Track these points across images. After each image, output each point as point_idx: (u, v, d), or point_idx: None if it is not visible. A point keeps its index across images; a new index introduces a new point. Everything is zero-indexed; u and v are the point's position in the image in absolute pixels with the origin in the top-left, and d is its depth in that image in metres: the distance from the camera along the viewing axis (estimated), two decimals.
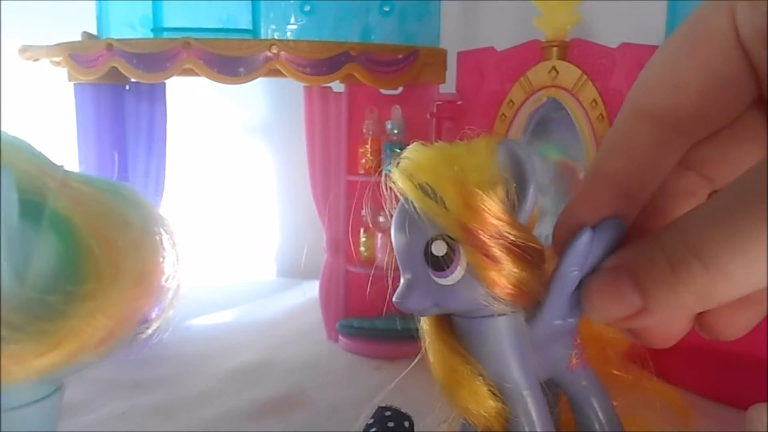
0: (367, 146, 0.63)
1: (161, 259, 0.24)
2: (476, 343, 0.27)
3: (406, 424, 0.39)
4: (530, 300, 0.26)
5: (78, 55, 0.61)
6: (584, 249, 0.24)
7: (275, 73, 0.58)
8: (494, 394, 0.26)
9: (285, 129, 0.92)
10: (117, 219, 0.22)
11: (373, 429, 0.39)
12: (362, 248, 0.64)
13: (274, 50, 0.56)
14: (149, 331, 0.24)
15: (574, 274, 0.24)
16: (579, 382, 0.29)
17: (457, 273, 0.25)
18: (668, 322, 0.21)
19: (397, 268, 0.26)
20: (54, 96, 0.74)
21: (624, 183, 0.22)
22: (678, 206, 0.23)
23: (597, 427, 0.30)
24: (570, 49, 0.56)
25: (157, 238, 0.24)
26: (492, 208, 0.24)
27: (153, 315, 0.24)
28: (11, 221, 0.20)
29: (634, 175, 0.22)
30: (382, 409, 0.40)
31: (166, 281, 0.24)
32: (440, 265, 0.25)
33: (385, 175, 0.27)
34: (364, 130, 0.63)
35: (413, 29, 0.64)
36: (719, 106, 0.20)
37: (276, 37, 0.61)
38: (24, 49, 0.63)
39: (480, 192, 0.24)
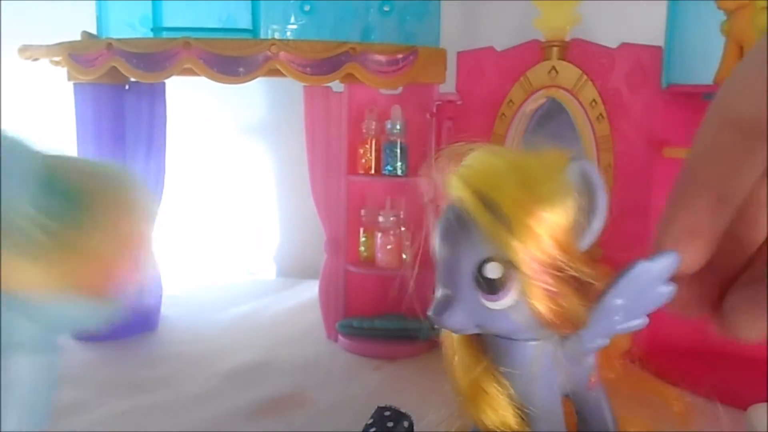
0: (367, 146, 0.63)
1: (144, 223, 0.26)
2: (510, 363, 0.26)
3: (406, 424, 0.39)
4: (574, 328, 0.25)
5: (78, 54, 0.60)
6: (634, 281, 0.23)
7: (275, 72, 0.58)
8: (520, 416, 0.26)
9: (285, 129, 0.92)
10: (105, 182, 0.26)
11: (373, 429, 0.39)
12: (362, 248, 0.64)
13: (274, 50, 0.56)
14: (131, 292, 0.26)
15: (618, 303, 0.23)
16: (592, 401, 0.29)
17: (509, 299, 0.24)
18: None
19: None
20: (54, 95, 0.74)
21: (718, 189, 0.21)
22: (764, 214, 0.22)
23: None
24: (570, 49, 0.56)
25: (142, 207, 0.26)
26: (558, 237, 0.23)
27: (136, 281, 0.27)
28: (29, 179, 0.24)
29: (727, 181, 0.21)
30: (381, 409, 0.39)
31: (146, 244, 0.26)
32: (492, 288, 0.23)
33: (427, 173, 0.26)
34: (364, 130, 0.62)
35: (413, 29, 0.64)
36: None
37: (276, 36, 0.61)
38: (24, 49, 0.63)
39: (547, 219, 0.23)
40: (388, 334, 0.62)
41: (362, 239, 0.64)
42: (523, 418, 0.26)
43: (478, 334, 0.27)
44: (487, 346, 0.27)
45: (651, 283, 0.23)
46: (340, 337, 0.63)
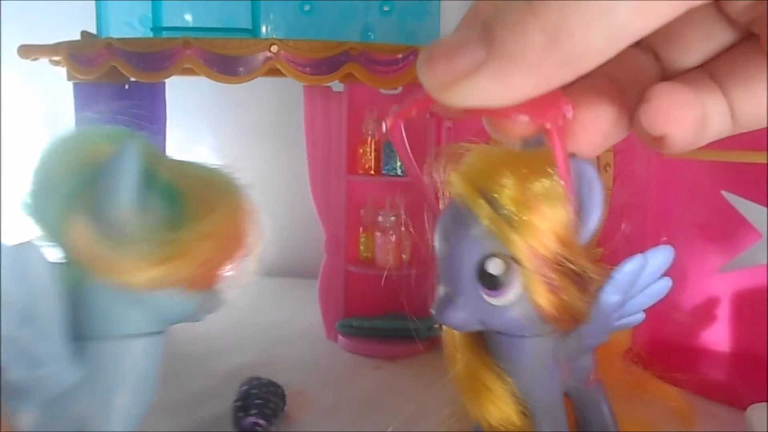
0: (367, 146, 0.63)
1: (249, 225, 0.31)
2: (512, 360, 0.26)
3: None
4: (575, 323, 0.25)
5: (77, 54, 0.60)
6: (630, 277, 0.23)
7: (275, 72, 0.58)
8: (523, 412, 0.26)
9: (284, 128, 0.92)
10: (215, 187, 0.30)
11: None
12: (361, 248, 0.64)
13: (274, 50, 0.56)
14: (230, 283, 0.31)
15: (615, 299, 0.24)
16: (591, 399, 0.29)
17: (511, 294, 0.24)
18: (519, 83, 0.16)
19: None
20: (53, 95, 0.74)
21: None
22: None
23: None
24: None
25: (246, 210, 0.31)
26: (558, 232, 0.23)
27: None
28: (134, 180, 0.26)
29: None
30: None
31: (250, 245, 0.31)
32: (494, 284, 0.23)
33: (434, 175, 0.26)
34: (364, 130, 0.62)
35: (413, 29, 0.64)
36: None
37: (276, 36, 0.61)
38: (23, 48, 0.63)
39: (548, 214, 0.22)
40: (387, 334, 0.62)
41: (362, 239, 0.64)
42: (525, 414, 0.26)
43: (479, 332, 0.27)
44: (489, 343, 0.27)
45: (647, 278, 0.23)
46: (340, 337, 0.63)
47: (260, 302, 0.80)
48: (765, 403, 0.43)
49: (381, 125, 0.62)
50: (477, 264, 0.24)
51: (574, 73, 0.16)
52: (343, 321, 0.63)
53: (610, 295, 0.23)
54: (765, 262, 0.49)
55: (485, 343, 0.27)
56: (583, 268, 0.23)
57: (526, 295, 0.24)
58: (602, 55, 0.15)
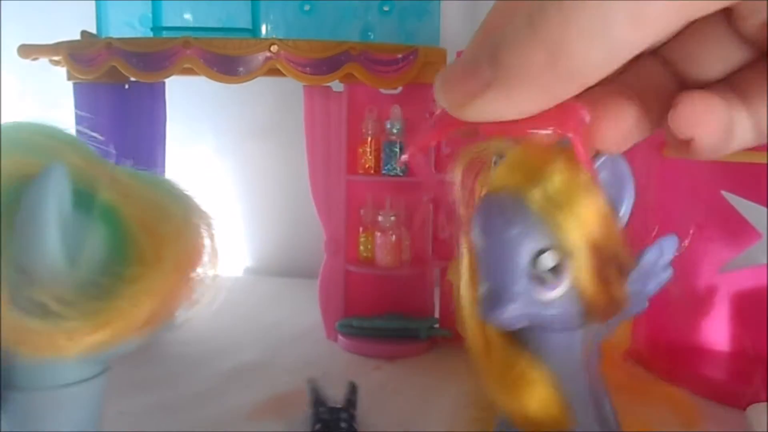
0: (367, 146, 0.62)
1: (200, 248, 0.26)
2: (551, 353, 0.25)
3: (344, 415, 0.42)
4: (614, 315, 0.24)
5: (77, 54, 0.60)
6: (644, 268, 0.23)
7: (275, 72, 0.58)
8: (560, 404, 0.25)
9: (284, 128, 0.92)
10: (160, 210, 0.25)
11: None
12: (361, 248, 0.64)
13: (274, 49, 0.56)
14: (186, 314, 0.26)
15: (638, 288, 0.24)
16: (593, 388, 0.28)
17: (562, 288, 0.23)
18: (525, 98, 0.18)
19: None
20: (53, 95, 0.74)
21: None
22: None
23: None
24: None
25: (197, 227, 0.26)
26: (605, 222, 0.23)
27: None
28: (65, 210, 0.22)
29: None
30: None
31: (204, 268, 0.26)
32: (548, 278, 0.23)
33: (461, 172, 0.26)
34: (364, 130, 0.62)
35: (413, 28, 0.64)
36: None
37: (276, 36, 0.61)
38: (23, 48, 0.63)
39: (593, 204, 0.23)
40: (388, 334, 0.62)
41: (362, 239, 0.64)
42: (563, 406, 0.25)
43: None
44: (525, 338, 0.26)
45: (656, 268, 0.24)
46: (340, 337, 0.63)
47: (260, 302, 0.80)
48: (765, 403, 0.43)
49: (381, 125, 0.62)
50: (530, 259, 0.23)
51: (579, 86, 0.16)
52: (343, 321, 0.63)
53: (634, 285, 0.23)
54: (765, 262, 0.49)
55: (520, 338, 0.26)
56: (624, 258, 0.23)
57: (574, 287, 0.23)
58: (604, 68, 0.16)
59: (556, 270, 0.23)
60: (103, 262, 0.23)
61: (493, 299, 0.23)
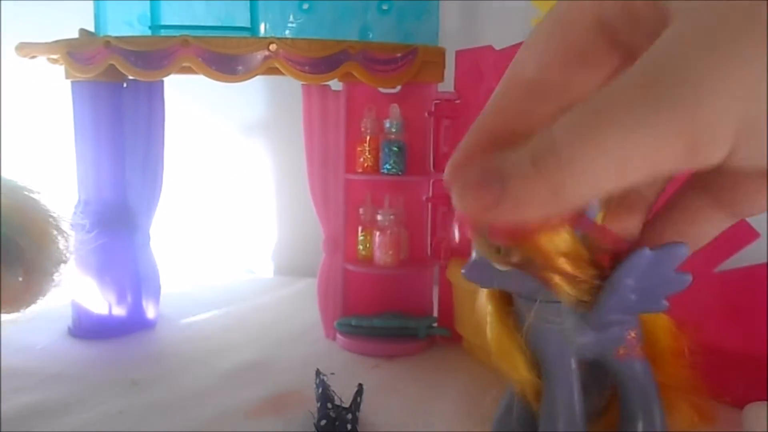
0: (366, 145, 0.62)
1: (54, 248, 0.27)
2: (523, 321, 0.30)
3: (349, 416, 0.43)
4: (569, 295, 0.29)
5: (75, 52, 0.60)
6: (639, 264, 0.26)
7: (273, 71, 0.57)
8: (532, 367, 0.31)
9: (283, 127, 0.92)
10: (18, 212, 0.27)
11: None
12: (360, 247, 0.64)
13: (273, 48, 0.56)
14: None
15: (629, 283, 0.27)
16: (626, 372, 0.32)
17: (513, 261, 0.28)
18: (531, 213, 0.22)
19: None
20: (51, 93, 0.74)
21: (494, 136, 0.25)
22: None
23: (635, 417, 0.32)
24: None
25: (49, 227, 0.27)
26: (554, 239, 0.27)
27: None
28: None
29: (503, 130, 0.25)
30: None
31: (57, 264, 0.28)
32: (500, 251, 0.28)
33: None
34: (363, 129, 0.62)
35: (412, 28, 0.64)
36: (579, 77, 0.24)
37: (274, 35, 0.61)
38: (21, 47, 0.63)
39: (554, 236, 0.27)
40: (386, 333, 0.62)
41: (360, 238, 0.64)
42: (535, 371, 0.31)
43: (510, 303, 0.32)
44: (516, 310, 0.31)
45: (660, 269, 0.27)
46: (339, 336, 0.63)
47: (259, 301, 0.80)
48: (761, 402, 0.43)
49: (379, 124, 0.62)
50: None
51: (577, 208, 0.20)
52: (342, 320, 0.63)
53: (623, 278, 0.27)
54: (764, 261, 0.49)
55: (514, 312, 0.31)
56: (579, 266, 0.27)
57: (523, 267, 0.28)
58: (596, 197, 0.21)
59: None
60: None
61: (469, 263, 0.30)
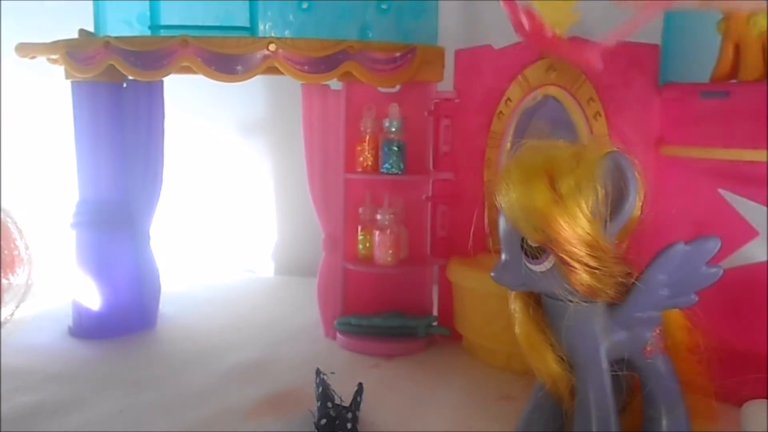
0: (365, 144, 0.63)
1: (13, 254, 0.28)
2: (555, 319, 0.32)
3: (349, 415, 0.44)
4: (602, 298, 0.30)
5: (75, 52, 0.60)
6: (672, 260, 0.27)
7: (273, 70, 0.58)
8: (562, 362, 0.33)
9: (283, 127, 0.92)
10: None
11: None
12: (360, 246, 0.64)
13: (272, 48, 0.56)
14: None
15: (660, 278, 0.28)
16: (651, 368, 0.33)
17: (546, 264, 0.30)
18: None
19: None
20: (51, 93, 0.74)
21: None
22: None
23: (660, 414, 0.34)
24: None
25: (9, 234, 0.28)
26: (577, 228, 0.29)
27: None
28: None
29: None
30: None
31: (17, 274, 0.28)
32: (533, 254, 0.30)
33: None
34: (362, 128, 0.62)
35: (411, 27, 0.64)
36: None
37: (274, 35, 0.61)
38: (21, 47, 0.63)
39: (567, 211, 0.29)
40: (385, 332, 0.62)
41: (360, 237, 0.64)
42: (566, 365, 0.33)
43: (537, 300, 0.33)
44: (544, 308, 0.33)
45: (691, 263, 0.28)
46: (338, 335, 0.63)
47: (258, 300, 0.80)
48: (760, 400, 0.43)
49: (379, 123, 0.62)
50: (521, 237, 0.30)
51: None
52: (342, 319, 0.63)
53: (655, 274, 0.28)
54: (763, 260, 0.49)
55: (543, 309, 0.33)
56: (600, 260, 0.29)
57: (556, 268, 0.30)
58: None
59: (540, 249, 0.30)
60: None
61: (499, 266, 0.32)
